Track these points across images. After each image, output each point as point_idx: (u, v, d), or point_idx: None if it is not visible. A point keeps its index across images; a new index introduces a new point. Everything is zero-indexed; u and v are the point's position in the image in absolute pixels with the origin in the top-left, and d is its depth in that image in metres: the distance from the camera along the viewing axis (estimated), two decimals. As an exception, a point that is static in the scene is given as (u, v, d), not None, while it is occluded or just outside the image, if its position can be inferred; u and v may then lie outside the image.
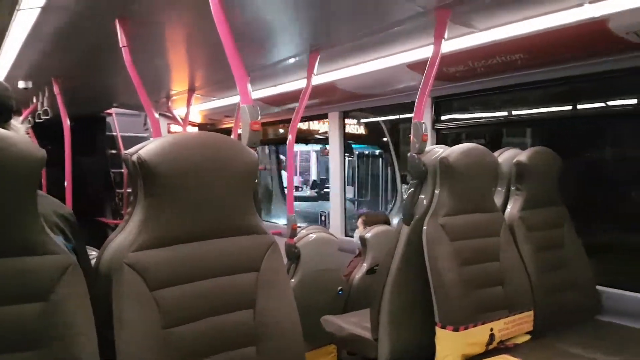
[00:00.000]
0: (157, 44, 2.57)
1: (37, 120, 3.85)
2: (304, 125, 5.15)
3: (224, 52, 1.63)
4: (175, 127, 4.95)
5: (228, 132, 4.51)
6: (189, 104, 3.86)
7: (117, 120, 5.74)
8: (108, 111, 5.64)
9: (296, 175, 14.19)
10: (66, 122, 3.49)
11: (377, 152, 8.61)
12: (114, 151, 5.84)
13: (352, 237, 3.57)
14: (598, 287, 2.29)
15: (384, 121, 5.04)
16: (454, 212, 1.97)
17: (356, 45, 2.51)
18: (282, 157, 6.39)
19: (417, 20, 2.04)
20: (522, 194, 2.27)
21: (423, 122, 1.96)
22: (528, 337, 2.04)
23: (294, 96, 2.73)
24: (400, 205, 4.71)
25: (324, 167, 14.82)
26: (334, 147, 3.91)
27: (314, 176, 16.28)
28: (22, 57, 2.80)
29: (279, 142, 5.61)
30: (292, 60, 2.76)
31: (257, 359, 1.33)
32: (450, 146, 2.03)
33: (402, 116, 4.64)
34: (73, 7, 1.99)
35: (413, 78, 2.69)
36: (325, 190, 11.67)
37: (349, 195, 4.57)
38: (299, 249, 2.48)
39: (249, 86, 1.63)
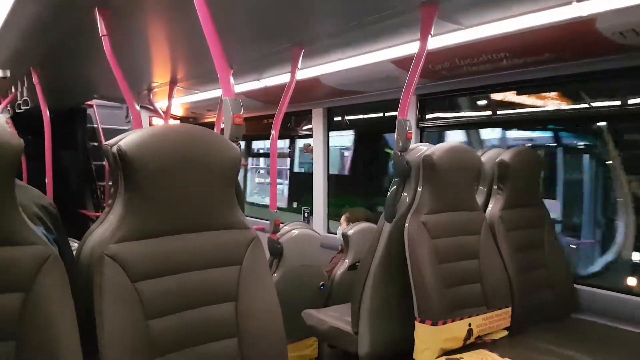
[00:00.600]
0: (138, 34, 2.52)
1: (17, 111, 3.76)
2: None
3: (206, 44, 1.61)
4: (157, 120, 4.88)
5: (210, 126, 4.41)
6: (170, 96, 3.80)
7: (98, 113, 5.64)
8: (88, 103, 5.54)
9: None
10: (46, 114, 3.42)
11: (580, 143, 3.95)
12: (95, 143, 5.75)
13: (334, 233, 3.57)
14: (575, 286, 2.33)
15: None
16: (435, 210, 1.98)
17: (341, 41, 2.50)
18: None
19: (403, 16, 2.04)
20: (503, 193, 2.29)
21: (407, 120, 1.96)
22: (505, 332, 2.07)
23: (278, 91, 2.71)
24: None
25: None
26: (318, 143, 3.90)
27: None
28: None
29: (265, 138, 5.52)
30: (276, 55, 2.74)
31: (239, 351, 1.33)
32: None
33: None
34: None
35: (398, 74, 2.69)
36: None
37: (554, 215, 2.75)
38: (281, 244, 2.47)
39: (232, 79, 1.61)
